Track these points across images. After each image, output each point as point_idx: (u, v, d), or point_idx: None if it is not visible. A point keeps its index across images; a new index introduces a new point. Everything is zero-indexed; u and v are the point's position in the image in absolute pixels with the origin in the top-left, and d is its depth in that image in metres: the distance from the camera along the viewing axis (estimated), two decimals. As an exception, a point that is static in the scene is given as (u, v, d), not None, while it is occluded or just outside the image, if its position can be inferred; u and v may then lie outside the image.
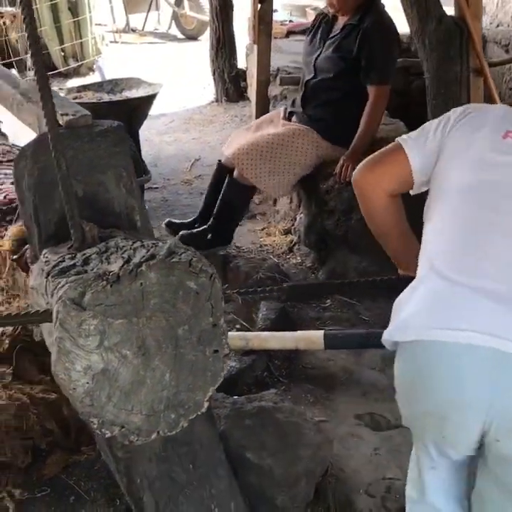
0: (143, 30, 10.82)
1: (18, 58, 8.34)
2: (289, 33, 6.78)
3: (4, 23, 8.58)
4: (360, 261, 3.48)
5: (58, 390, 2.59)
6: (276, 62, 5.38)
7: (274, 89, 5.10)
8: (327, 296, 3.43)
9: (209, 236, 3.90)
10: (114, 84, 5.97)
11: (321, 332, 2.91)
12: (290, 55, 5.74)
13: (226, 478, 2.22)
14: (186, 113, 7.38)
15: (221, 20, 7.15)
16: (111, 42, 9.72)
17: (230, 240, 4.03)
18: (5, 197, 2.76)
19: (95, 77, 8.50)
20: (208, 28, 10.35)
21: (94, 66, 8.84)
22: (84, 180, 2.01)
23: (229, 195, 3.85)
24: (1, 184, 2.90)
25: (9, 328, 2.67)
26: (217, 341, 1.47)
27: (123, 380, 1.43)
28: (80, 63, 8.55)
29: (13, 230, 2.57)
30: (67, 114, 2.10)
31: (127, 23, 10.51)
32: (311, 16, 6.97)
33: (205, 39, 10.46)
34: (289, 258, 4.08)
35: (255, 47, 5.09)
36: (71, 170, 2.01)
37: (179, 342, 1.44)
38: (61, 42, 8.58)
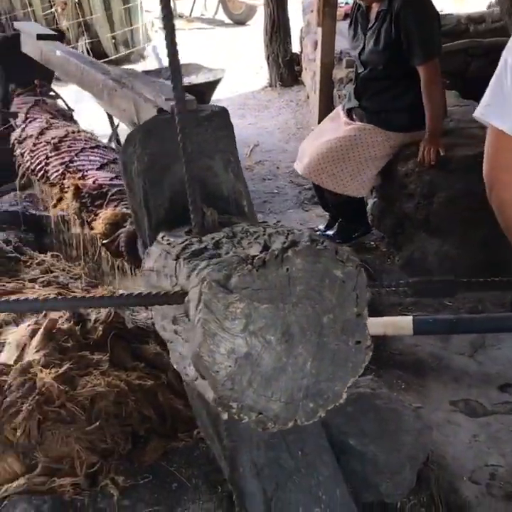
0: (190, 15, 10.80)
1: (70, 46, 8.39)
2: (347, 15, 6.68)
3: (56, 11, 8.64)
4: (442, 244, 3.43)
5: (153, 377, 2.61)
6: (338, 45, 5.31)
7: (339, 72, 5.04)
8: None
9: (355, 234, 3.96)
10: (172, 71, 5.98)
11: (410, 318, 2.88)
12: (351, 37, 5.66)
13: (331, 465, 2.21)
14: (240, 98, 7.36)
15: (276, 4, 7.09)
16: (160, 28, 9.70)
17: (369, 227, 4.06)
18: (94, 182, 2.77)
19: (146, 63, 8.52)
20: (257, 13, 10.38)
21: (145, 53, 8.87)
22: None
23: (334, 199, 3.87)
24: (87, 170, 2.91)
25: (102, 315, 2.69)
26: (360, 332, 1.44)
27: (265, 366, 1.42)
28: (130, 50, 8.57)
29: (107, 213, 2.58)
30: (171, 100, 2.09)
31: (174, 9, 10.48)
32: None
33: (254, 24, 10.45)
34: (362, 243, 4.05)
35: (319, 30, 5.04)
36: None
37: (323, 330, 1.42)
38: (112, 29, 8.61)
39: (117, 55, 8.62)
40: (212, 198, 2.01)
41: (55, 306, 1.39)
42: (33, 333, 2.55)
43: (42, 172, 3.24)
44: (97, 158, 3.01)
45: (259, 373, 1.40)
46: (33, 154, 3.34)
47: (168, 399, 2.57)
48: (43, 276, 3.28)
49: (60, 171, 3.06)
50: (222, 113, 2.09)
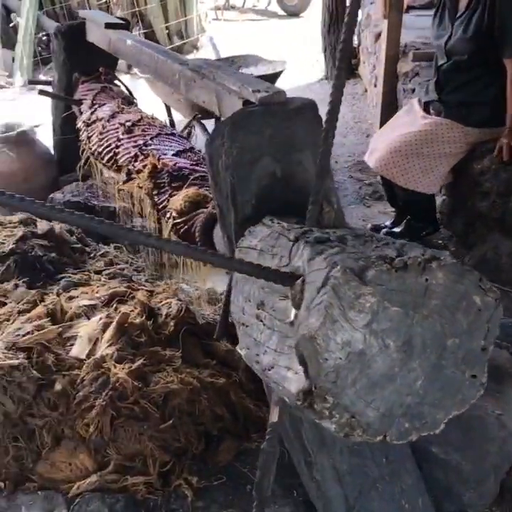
0: (243, 7, 10.73)
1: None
2: (409, 7, 6.55)
3: (110, 0, 8.63)
4: (517, 245, 3.32)
5: (225, 375, 2.56)
6: (402, 38, 5.19)
7: (404, 66, 4.93)
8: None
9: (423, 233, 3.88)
10: (230, 62, 5.90)
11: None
12: (415, 30, 5.53)
13: (414, 473, 2.14)
14: (297, 91, 7.25)
15: (335, -6, 6.97)
16: (213, 19, 9.68)
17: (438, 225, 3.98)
18: (175, 164, 2.72)
19: (199, 54, 8.47)
20: (311, 4, 10.27)
21: (198, 43, 8.82)
22: (282, 159, 1.94)
23: (404, 195, 3.77)
24: (163, 154, 2.86)
25: (173, 310, 2.65)
26: (480, 366, 1.38)
27: (375, 370, 1.35)
28: (184, 41, 8.53)
29: (189, 191, 2.52)
30: (258, 91, 2.02)
31: (227, 0, 10.44)
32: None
33: (307, 15, 10.35)
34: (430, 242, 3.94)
35: (385, 22, 4.92)
36: (270, 149, 1.95)
37: (444, 353, 1.35)
38: (166, 20, 8.58)
39: (171, 46, 8.58)
40: (301, 194, 1.95)
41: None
42: (104, 327, 2.51)
43: (110, 154, 3.20)
44: (174, 144, 2.96)
45: (367, 375, 1.33)
46: (102, 136, 3.30)
47: (240, 398, 2.52)
48: (108, 269, 3.25)
49: (132, 154, 3.02)
50: (311, 106, 2.02)
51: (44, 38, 9.02)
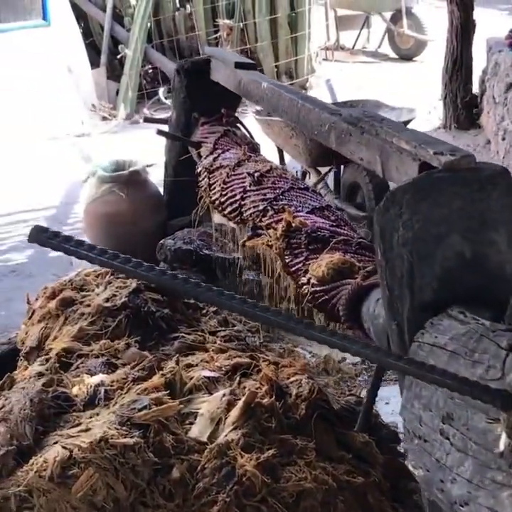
0: (353, 48, 10.56)
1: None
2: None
3: (221, 36, 8.59)
4: None
5: (362, 473, 2.26)
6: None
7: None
8: None
9: None
10: (348, 107, 5.68)
11: None
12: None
13: None
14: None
15: (460, 41, 6.69)
16: (323, 59, 9.53)
17: None
18: (313, 223, 2.49)
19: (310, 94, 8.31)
20: (426, 49, 10.02)
21: (307, 84, 8.67)
22: (473, 237, 1.66)
23: None
24: (297, 212, 2.63)
25: (304, 391, 2.38)
26: None
27: None
28: (293, 81, 8.39)
29: (333, 257, 2.27)
30: (441, 153, 1.75)
31: (337, 40, 10.29)
32: None
33: (421, 59, 10.09)
34: None
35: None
36: (458, 224, 1.67)
37: None
38: (276, 58, 8.46)
39: (278, 85, 8.44)
40: (493, 279, 1.66)
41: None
42: (229, 406, 2.26)
43: (234, 206, 3.00)
44: (308, 201, 2.73)
45: None
46: (225, 186, 3.10)
47: (378, 500, 2.22)
48: (223, 329, 3.02)
49: (259, 208, 2.81)
50: (504, 174, 1.74)
51: (150, 70, 9.04)
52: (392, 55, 10.39)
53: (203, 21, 8.76)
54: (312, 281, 2.35)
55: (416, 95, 8.06)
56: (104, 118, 8.40)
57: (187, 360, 2.55)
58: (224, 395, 2.30)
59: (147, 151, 5.11)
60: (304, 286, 2.44)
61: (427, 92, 7.99)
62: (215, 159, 3.33)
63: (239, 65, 3.39)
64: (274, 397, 2.29)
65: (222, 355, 2.61)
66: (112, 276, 3.02)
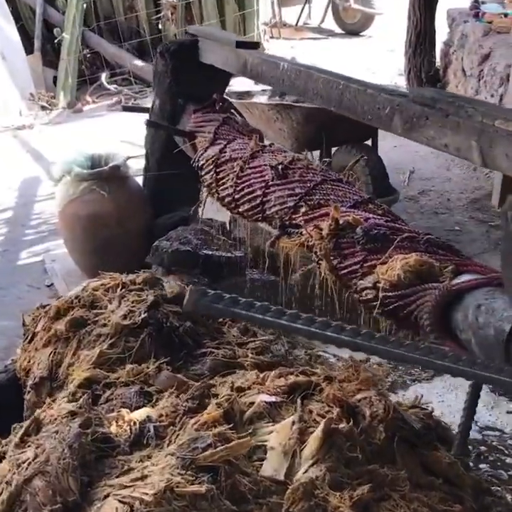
0: (297, 25, 10.30)
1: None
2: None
3: (163, 16, 8.22)
4: None
5: (456, 498, 2.04)
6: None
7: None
8: None
9: None
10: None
11: None
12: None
13: None
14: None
15: (424, 12, 6.51)
16: (270, 38, 9.24)
17: None
18: (366, 220, 2.24)
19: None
20: (375, 22, 9.85)
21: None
22: None
23: None
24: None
25: (379, 410, 2.13)
26: None
27: None
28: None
29: (410, 258, 2.02)
30: None
31: (280, 18, 9.99)
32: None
33: (370, 34, 9.92)
34: None
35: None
36: None
37: None
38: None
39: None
40: None
41: None
42: (301, 435, 1.99)
43: (254, 203, 2.73)
44: (348, 194, 2.47)
45: None
46: (240, 181, 2.81)
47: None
48: (251, 340, 2.75)
49: (289, 204, 2.55)
50: None
51: (89, 55, 8.59)
52: (338, 30, 10.18)
53: (143, 0, 8.35)
54: (380, 285, 2.10)
55: (373, 70, 7.90)
56: (43, 107, 7.93)
57: (237, 383, 2.27)
58: (293, 422, 2.04)
59: (101, 141, 4.77)
60: (366, 291, 2.19)
61: (384, 67, 7.83)
62: (221, 151, 3.03)
63: (241, 45, 3.09)
64: (351, 421, 2.03)
65: (270, 373, 2.34)
66: (123, 290, 2.71)
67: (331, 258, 2.31)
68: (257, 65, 2.90)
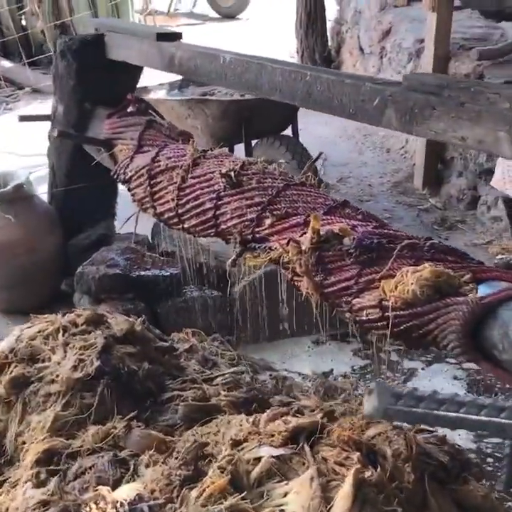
0: (169, 11, 9.94)
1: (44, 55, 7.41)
2: None
3: (28, 11, 7.68)
4: None
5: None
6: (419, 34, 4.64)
7: (461, 66, 4.33)
8: None
9: None
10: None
11: None
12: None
13: None
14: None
15: (313, -9, 6.34)
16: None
17: None
18: (353, 228, 2.00)
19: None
20: (249, 5, 9.63)
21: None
22: None
23: None
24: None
25: (401, 447, 1.89)
26: None
27: None
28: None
29: (423, 271, 1.77)
30: None
31: (151, 4, 9.60)
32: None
33: (246, 18, 9.70)
34: None
35: (433, 16, 4.31)
36: None
37: None
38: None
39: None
40: None
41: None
42: (324, 492, 1.72)
43: (204, 218, 2.41)
44: (319, 200, 2.22)
45: None
46: (183, 193, 2.49)
47: None
48: (220, 374, 2.46)
49: (248, 216, 2.26)
50: None
51: None
52: (213, 14, 9.90)
53: (4, -6, 7.79)
54: (389, 303, 1.85)
55: (262, 53, 7.66)
56: None
57: (229, 434, 1.97)
58: (312, 478, 1.76)
59: None
60: (368, 311, 1.93)
61: (272, 51, 7.62)
62: (154, 160, 2.69)
63: (162, 37, 2.77)
64: (378, 467, 1.78)
65: (261, 417, 2.05)
66: (66, 335, 2.34)
67: (313, 275, 2.05)
68: (189, 60, 2.59)
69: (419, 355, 3.21)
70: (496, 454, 2.68)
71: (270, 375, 2.86)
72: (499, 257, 3.65)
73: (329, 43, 6.84)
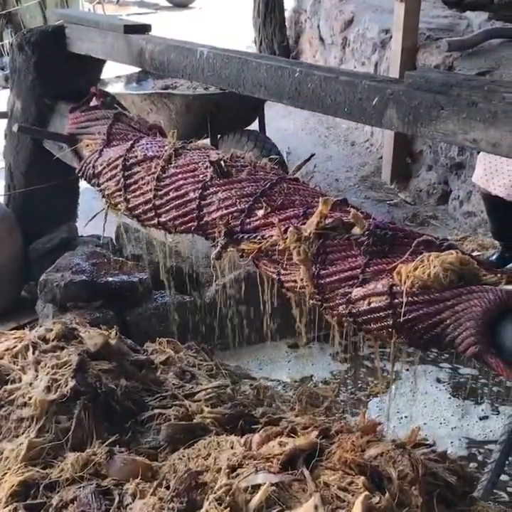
0: (118, 0, 9.70)
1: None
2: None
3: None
4: None
5: None
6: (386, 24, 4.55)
7: (430, 58, 4.24)
8: None
9: None
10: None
11: None
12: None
13: None
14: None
15: (270, -21, 6.21)
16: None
17: None
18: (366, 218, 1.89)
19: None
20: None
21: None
22: None
23: None
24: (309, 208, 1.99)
25: (406, 468, 1.80)
26: None
27: None
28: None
29: (450, 256, 1.65)
30: None
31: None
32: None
33: (199, 6, 9.52)
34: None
35: (400, 6, 4.22)
36: None
37: None
38: (45, 18, 7.43)
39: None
40: None
41: None
42: (332, 522, 1.62)
43: (186, 209, 2.24)
44: (315, 194, 2.10)
45: None
46: (162, 184, 2.32)
47: None
48: (202, 389, 2.33)
49: (241, 207, 2.11)
50: None
51: None
52: (163, 2, 9.70)
53: None
54: (399, 289, 1.71)
55: (218, 43, 7.52)
56: None
57: (222, 459, 1.84)
58: (316, 507, 1.65)
59: None
60: (370, 299, 1.79)
61: (228, 40, 7.47)
62: (129, 151, 2.53)
63: (131, 29, 2.62)
64: (386, 492, 1.68)
65: (252, 438, 1.94)
66: (36, 352, 2.19)
67: (311, 264, 1.92)
68: (161, 53, 2.44)
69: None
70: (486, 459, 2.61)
71: (251, 384, 2.74)
72: (475, 253, 3.59)
73: (288, 33, 6.73)
